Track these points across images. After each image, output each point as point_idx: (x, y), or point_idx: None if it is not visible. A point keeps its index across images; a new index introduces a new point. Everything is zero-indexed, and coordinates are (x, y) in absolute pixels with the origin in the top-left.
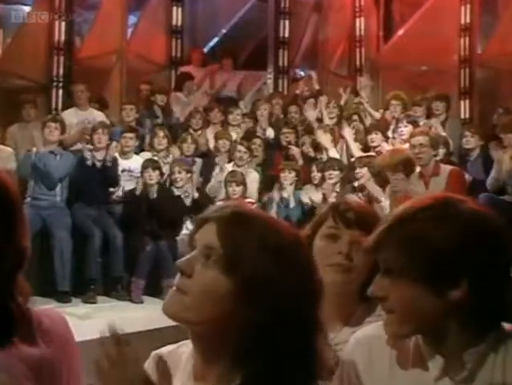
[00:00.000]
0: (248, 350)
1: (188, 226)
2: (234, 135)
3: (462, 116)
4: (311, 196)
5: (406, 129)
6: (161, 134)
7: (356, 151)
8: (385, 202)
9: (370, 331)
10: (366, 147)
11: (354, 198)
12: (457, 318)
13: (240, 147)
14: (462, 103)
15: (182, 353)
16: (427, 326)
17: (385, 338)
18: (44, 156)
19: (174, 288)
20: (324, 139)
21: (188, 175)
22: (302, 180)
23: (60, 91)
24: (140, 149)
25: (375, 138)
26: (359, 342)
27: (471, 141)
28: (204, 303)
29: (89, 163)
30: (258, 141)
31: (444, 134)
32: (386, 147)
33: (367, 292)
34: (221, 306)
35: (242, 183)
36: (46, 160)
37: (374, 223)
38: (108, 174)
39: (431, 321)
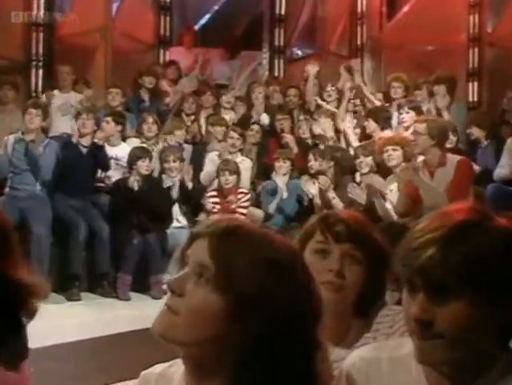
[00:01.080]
0: (243, 369)
1: (178, 218)
2: (227, 118)
3: (470, 99)
4: (308, 187)
5: (408, 116)
6: (150, 120)
7: (354, 141)
8: (390, 195)
9: (367, 353)
10: (365, 135)
11: (342, 210)
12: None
13: (232, 134)
14: (470, 85)
15: (174, 373)
16: (480, 350)
17: (385, 362)
18: (22, 146)
19: (165, 307)
20: (326, 125)
21: (181, 163)
22: (298, 168)
23: (40, 71)
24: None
25: (368, 125)
26: (355, 366)
27: (475, 131)
28: (196, 323)
29: (73, 149)
30: (255, 127)
31: (448, 118)
32: (384, 134)
33: (414, 313)
34: (214, 326)
35: (236, 172)
36: (28, 151)
37: (366, 235)
38: (99, 157)
39: (486, 345)
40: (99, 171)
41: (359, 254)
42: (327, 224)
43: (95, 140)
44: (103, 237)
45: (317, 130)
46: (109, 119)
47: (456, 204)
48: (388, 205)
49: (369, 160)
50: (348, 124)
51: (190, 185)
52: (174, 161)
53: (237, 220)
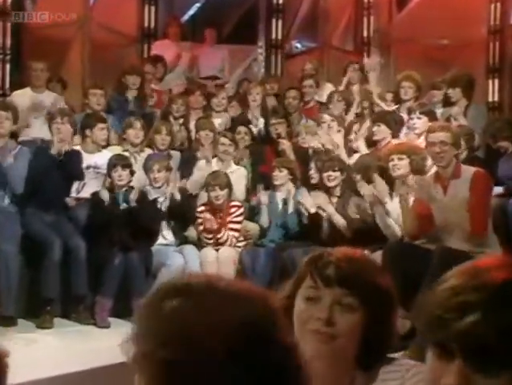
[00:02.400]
0: None
1: (164, 234)
2: (218, 121)
3: (490, 99)
4: (305, 202)
5: (420, 121)
6: (138, 125)
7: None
8: (390, 204)
9: None
10: (370, 143)
11: (338, 249)
12: None
13: (223, 140)
14: (490, 83)
15: None
16: None
17: None
18: None
19: None
20: (325, 139)
21: (168, 173)
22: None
23: (7, 66)
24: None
25: (378, 130)
26: None
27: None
28: None
29: (46, 156)
30: (243, 129)
31: (465, 123)
32: (394, 141)
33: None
34: None
35: (227, 186)
36: None
37: (362, 278)
38: (70, 166)
39: None
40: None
41: (353, 300)
42: (317, 266)
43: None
44: (79, 255)
45: (314, 143)
46: (103, 125)
47: (490, 258)
48: (391, 221)
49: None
50: (360, 141)
51: (178, 196)
52: (159, 171)
53: (205, 279)
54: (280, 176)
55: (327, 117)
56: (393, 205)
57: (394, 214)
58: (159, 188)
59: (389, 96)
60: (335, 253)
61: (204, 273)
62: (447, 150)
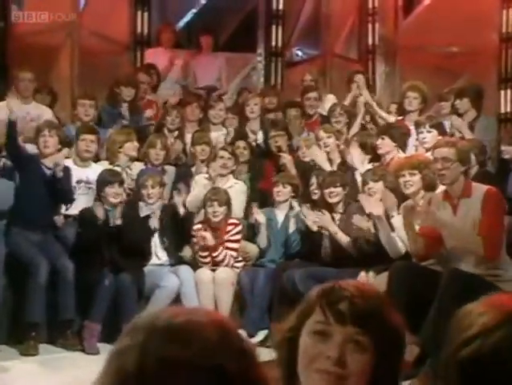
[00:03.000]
0: None
1: (158, 253)
2: (215, 135)
3: (502, 111)
4: (307, 219)
5: (430, 135)
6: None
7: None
8: (395, 219)
9: None
10: (373, 157)
11: (351, 283)
12: None
13: (223, 153)
14: (502, 93)
15: None
16: None
17: None
18: None
19: None
20: (320, 157)
21: (162, 189)
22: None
23: None
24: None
25: (382, 144)
26: None
27: (509, 150)
28: None
29: (34, 171)
30: (241, 144)
31: (471, 137)
32: (401, 155)
33: None
34: None
35: (226, 202)
36: None
37: (376, 316)
38: (59, 187)
39: None
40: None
41: (366, 340)
42: (329, 300)
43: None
44: (67, 277)
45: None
46: (93, 137)
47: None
48: (397, 238)
49: (379, 185)
50: (355, 154)
51: (182, 211)
52: (153, 187)
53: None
54: (284, 192)
55: (322, 134)
56: (399, 221)
57: (400, 230)
58: (152, 204)
59: (394, 107)
60: (348, 287)
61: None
62: (449, 167)
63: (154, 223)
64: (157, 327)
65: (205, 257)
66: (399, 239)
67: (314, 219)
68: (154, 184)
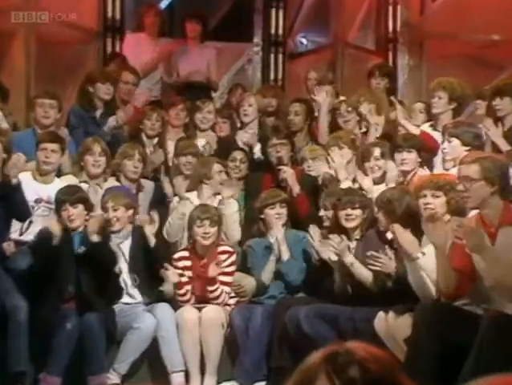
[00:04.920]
0: None
1: (130, 291)
2: (202, 142)
3: None
4: (319, 248)
5: (450, 146)
6: (98, 148)
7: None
8: (422, 259)
9: None
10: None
11: (358, 343)
12: None
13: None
14: None
15: None
16: None
17: None
18: None
19: None
20: (338, 162)
21: (129, 212)
22: (302, 216)
23: None
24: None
25: (409, 158)
26: None
27: None
28: None
29: None
30: (239, 155)
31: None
32: (423, 172)
33: None
34: None
35: (218, 222)
36: None
37: (390, 383)
38: (11, 201)
39: None
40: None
41: None
42: (336, 366)
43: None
44: (18, 319)
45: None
46: (55, 146)
47: None
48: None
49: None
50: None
51: (153, 242)
52: (115, 209)
53: None
54: (283, 213)
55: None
56: (427, 257)
57: (429, 267)
58: (116, 231)
59: (419, 107)
60: (357, 350)
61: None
62: (471, 188)
63: (125, 254)
64: None
65: (184, 294)
66: (429, 280)
67: (330, 246)
68: (116, 206)
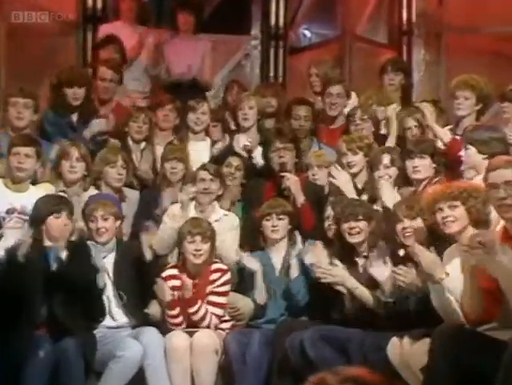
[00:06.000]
0: None
1: (114, 312)
2: (194, 148)
3: None
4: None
5: (468, 153)
6: (75, 153)
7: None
8: (448, 281)
9: None
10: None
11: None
12: None
13: (203, 174)
14: None
15: None
16: None
17: None
18: None
19: None
20: (342, 178)
21: (117, 223)
22: (306, 229)
23: None
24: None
25: (422, 166)
26: None
27: None
28: None
29: None
30: (235, 161)
31: None
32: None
33: None
34: None
35: (211, 238)
36: None
37: None
38: None
39: None
40: None
41: None
42: None
43: None
44: None
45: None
46: (29, 151)
47: None
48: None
49: (418, 222)
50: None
51: (149, 256)
52: (105, 219)
53: None
54: (281, 226)
55: (344, 148)
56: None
57: (456, 289)
58: (103, 244)
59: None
60: (346, 376)
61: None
62: None
63: (108, 269)
64: None
65: (176, 316)
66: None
67: (323, 271)
68: (106, 215)
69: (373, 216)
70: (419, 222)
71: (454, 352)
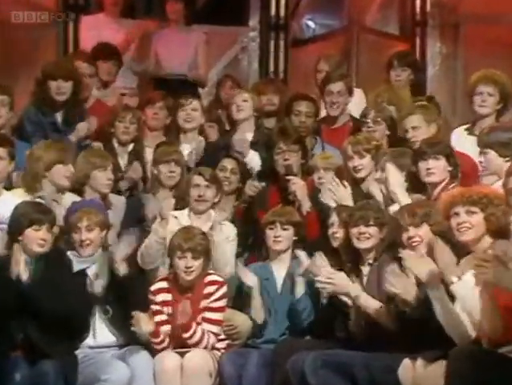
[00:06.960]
0: None
1: (98, 329)
2: (188, 148)
3: None
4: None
5: (486, 158)
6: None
7: (404, 197)
8: (460, 287)
9: None
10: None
11: None
12: None
13: (198, 179)
14: None
15: None
16: None
17: None
18: None
19: None
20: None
21: (103, 233)
22: (311, 238)
23: None
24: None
25: (437, 167)
26: None
27: None
28: None
29: None
30: (230, 164)
31: None
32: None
33: None
34: None
35: (204, 252)
36: None
37: None
38: None
39: None
40: None
41: None
42: None
43: None
44: None
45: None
46: (2, 152)
47: None
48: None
49: (423, 231)
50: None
51: (122, 270)
52: (90, 229)
53: None
54: (285, 236)
55: (349, 150)
56: (464, 287)
57: (467, 302)
58: (88, 256)
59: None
60: None
61: None
62: None
63: (96, 285)
64: None
65: (160, 343)
66: (464, 314)
67: (325, 277)
68: (92, 225)
69: (385, 223)
70: (425, 229)
71: (473, 375)
